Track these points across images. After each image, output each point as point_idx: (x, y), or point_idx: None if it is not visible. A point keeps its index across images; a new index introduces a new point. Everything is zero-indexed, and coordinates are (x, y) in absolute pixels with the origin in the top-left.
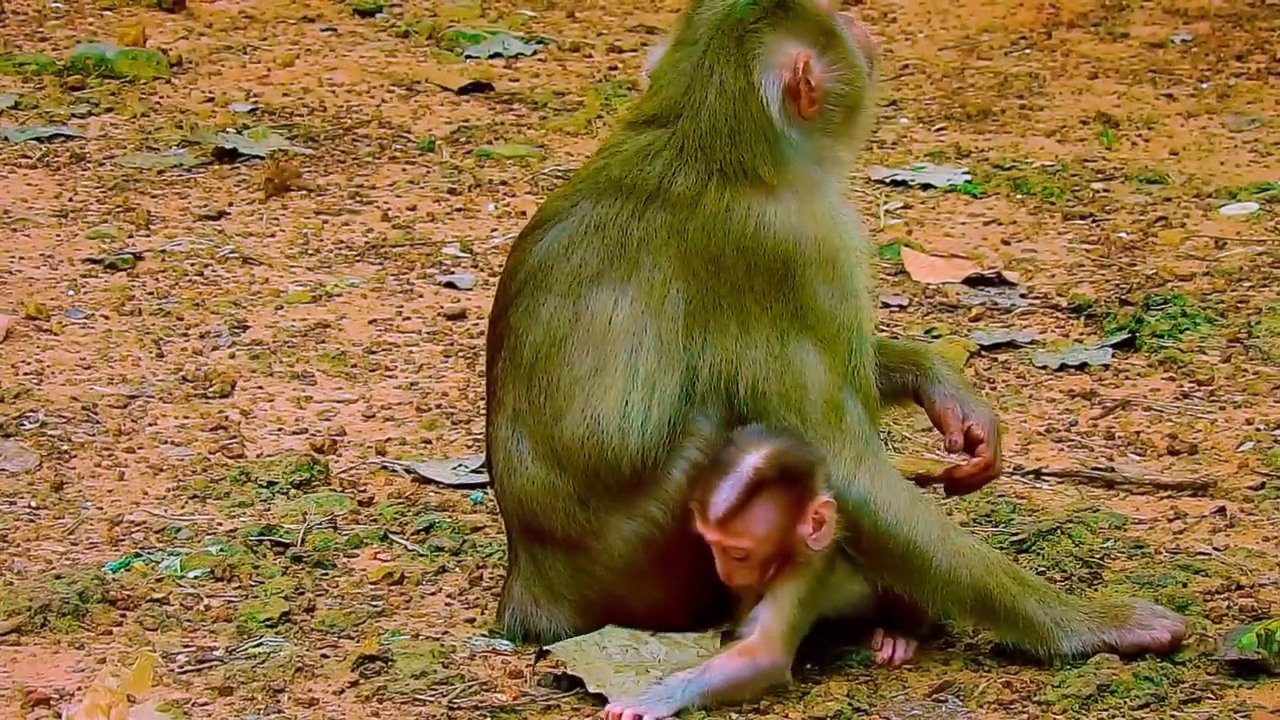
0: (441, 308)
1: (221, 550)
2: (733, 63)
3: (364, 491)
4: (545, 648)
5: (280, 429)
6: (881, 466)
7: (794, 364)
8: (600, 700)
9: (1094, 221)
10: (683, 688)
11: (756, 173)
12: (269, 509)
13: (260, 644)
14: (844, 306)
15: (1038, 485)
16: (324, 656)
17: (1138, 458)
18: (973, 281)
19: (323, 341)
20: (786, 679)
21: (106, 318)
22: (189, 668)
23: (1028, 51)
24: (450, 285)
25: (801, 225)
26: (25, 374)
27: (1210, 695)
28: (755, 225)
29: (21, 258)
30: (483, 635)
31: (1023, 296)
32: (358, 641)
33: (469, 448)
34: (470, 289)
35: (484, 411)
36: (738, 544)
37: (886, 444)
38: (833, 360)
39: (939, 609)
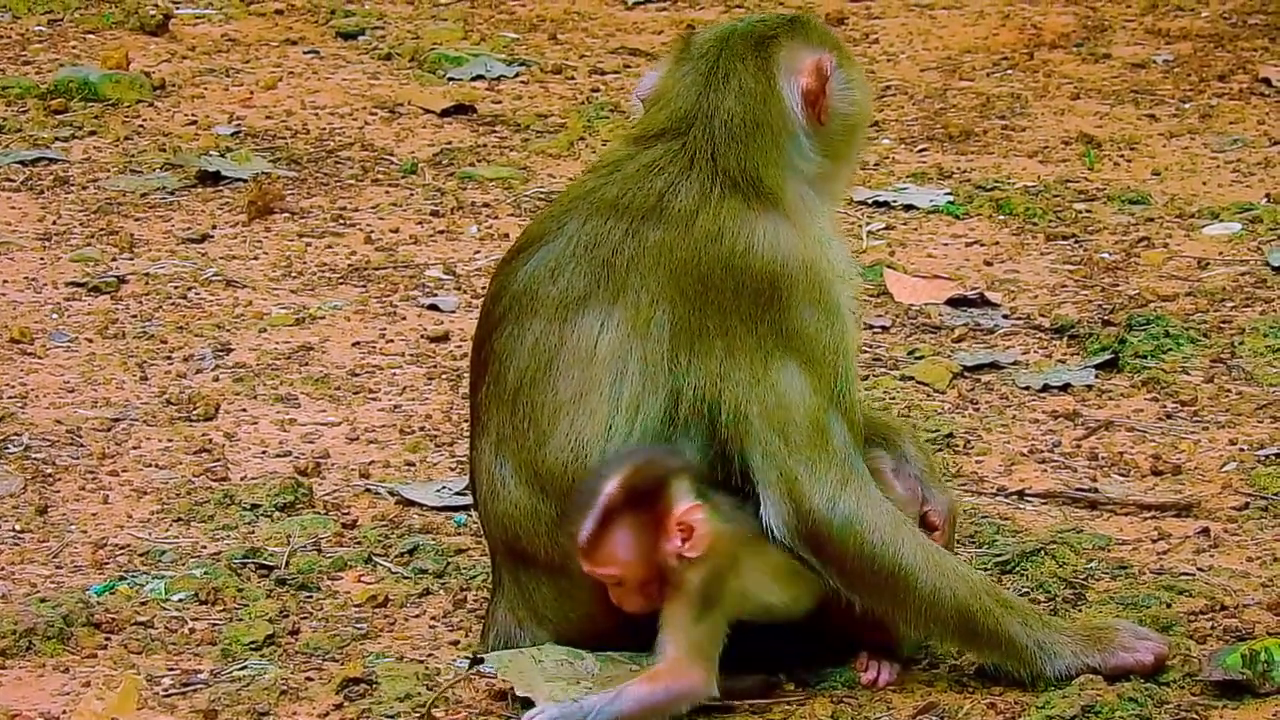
0: (425, 330)
1: (206, 573)
2: (753, 67)
3: (348, 514)
4: (479, 655)
5: (264, 452)
6: (866, 489)
7: (777, 386)
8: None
9: (1076, 242)
10: (594, 712)
11: (763, 183)
12: (253, 532)
13: (245, 667)
14: (830, 331)
15: (1021, 506)
16: (308, 679)
17: (1121, 478)
18: (955, 302)
19: (306, 364)
20: (711, 695)
21: (90, 341)
22: (174, 691)
23: (1010, 72)
24: (433, 308)
25: (790, 247)
26: (9, 397)
27: (1195, 716)
28: (745, 245)
29: (5, 281)
30: (467, 657)
31: (1005, 317)
32: (342, 664)
33: (452, 470)
34: (453, 311)
35: (467, 434)
36: (607, 572)
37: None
38: (817, 383)
39: (922, 631)
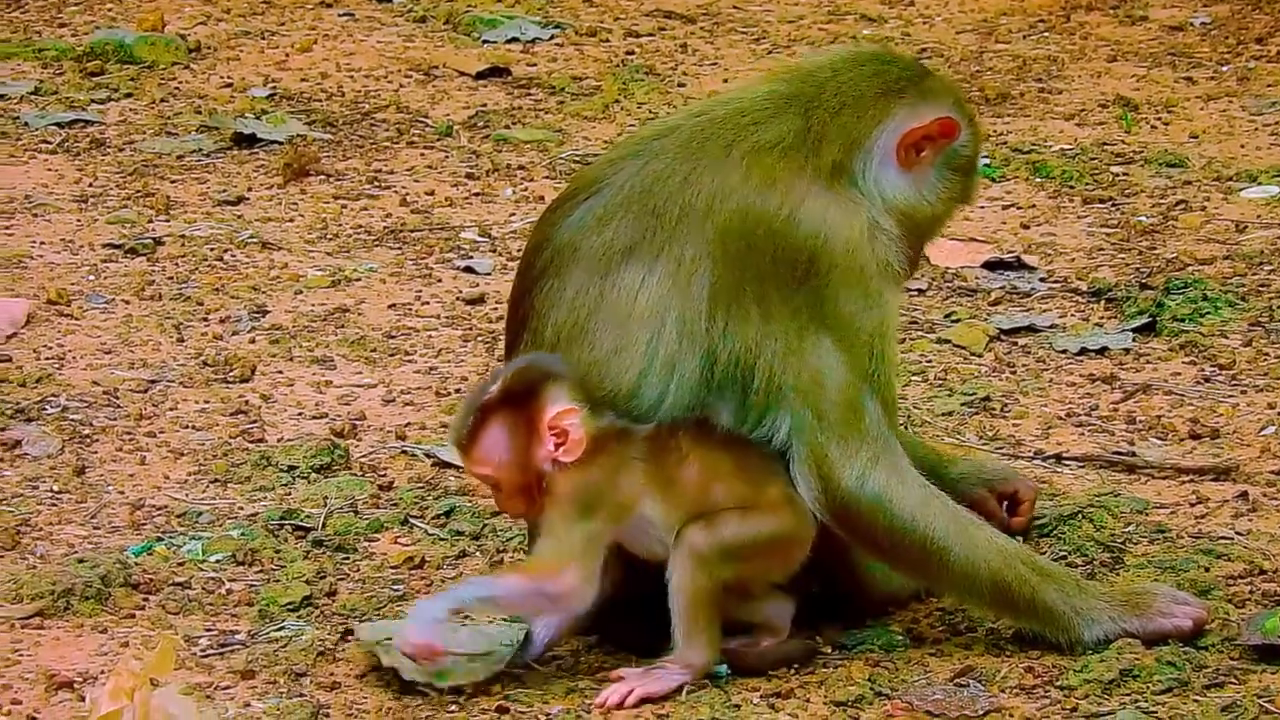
0: (460, 292)
1: (243, 534)
2: (889, 77)
3: (384, 476)
4: (354, 631)
5: (300, 413)
6: (898, 465)
7: (811, 360)
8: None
9: (1113, 205)
10: (470, 597)
11: (829, 156)
12: (290, 493)
13: (282, 628)
14: (867, 314)
15: (1059, 470)
16: (345, 640)
17: (1159, 442)
18: (992, 265)
19: (342, 326)
20: (586, 603)
21: (127, 302)
22: (211, 651)
23: (1046, 35)
24: (469, 270)
25: (834, 226)
26: (46, 359)
27: (1233, 680)
28: (789, 212)
29: (42, 243)
30: (503, 618)
31: (1042, 280)
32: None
33: None
34: (488, 273)
35: None
36: (484, 473)
37: (907, 427)
38: (852, 361)
39: (958, 601)
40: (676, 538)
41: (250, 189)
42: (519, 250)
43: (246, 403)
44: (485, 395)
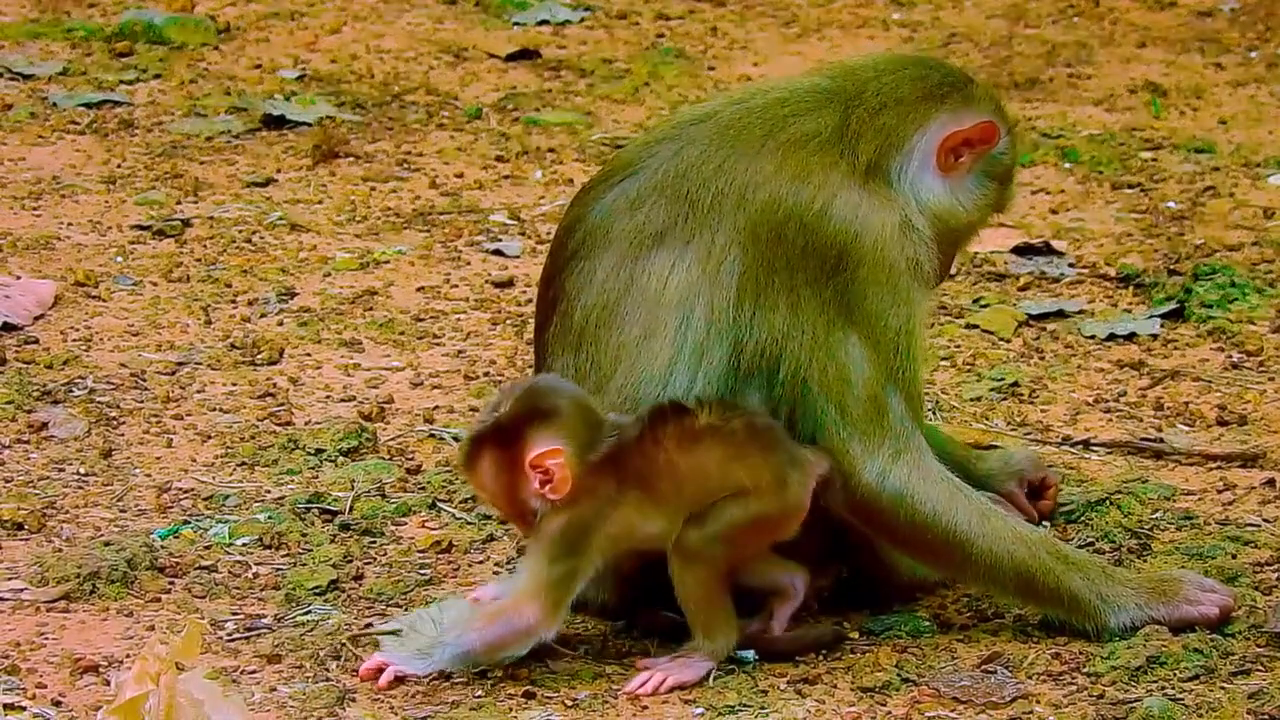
0: (489, 275)
1: (270, 518)
2: (933, 81)
3: (412, 459)
4: (375, 625)
5: (328, 396)
6: (921, 460)
7: (836, 355)
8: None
9: (1142, 191)
10: (440, 649)
11: (863, 156)
12: (317, 476)
13: (309, 612)
14: (894, 310)
15: (1086, 456)
16: (372, 624)
17: (1187, 428)
18: (1021, 250)
19: (370, 309)
20: (549, 635)
21: (155, 284)
22: (237, 635)
23: (1076, 20)
24: (498, 253)
25: (866, 222)
26: (74, 341)
27: (1260, 667)
28: (821, 206)
29: (70, 224)
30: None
31: (1071, 266)
32: (406, 609)
33: None
34: (518, 256)
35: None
36: (482, 495)
37: (934, 413)
38: (876, 357)
39: (983, 591)
40: (672, 543)
41: (279, 171)
42: (548, 233)
43: (274, 385)
44: (481, 424)
